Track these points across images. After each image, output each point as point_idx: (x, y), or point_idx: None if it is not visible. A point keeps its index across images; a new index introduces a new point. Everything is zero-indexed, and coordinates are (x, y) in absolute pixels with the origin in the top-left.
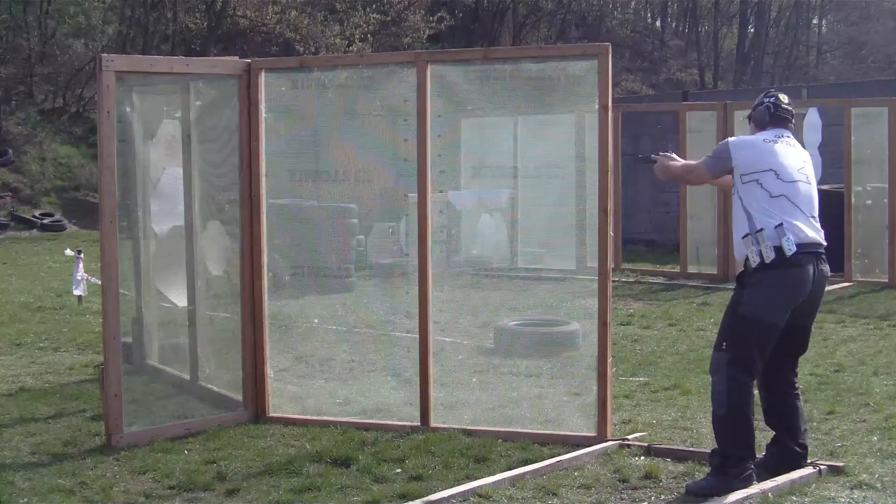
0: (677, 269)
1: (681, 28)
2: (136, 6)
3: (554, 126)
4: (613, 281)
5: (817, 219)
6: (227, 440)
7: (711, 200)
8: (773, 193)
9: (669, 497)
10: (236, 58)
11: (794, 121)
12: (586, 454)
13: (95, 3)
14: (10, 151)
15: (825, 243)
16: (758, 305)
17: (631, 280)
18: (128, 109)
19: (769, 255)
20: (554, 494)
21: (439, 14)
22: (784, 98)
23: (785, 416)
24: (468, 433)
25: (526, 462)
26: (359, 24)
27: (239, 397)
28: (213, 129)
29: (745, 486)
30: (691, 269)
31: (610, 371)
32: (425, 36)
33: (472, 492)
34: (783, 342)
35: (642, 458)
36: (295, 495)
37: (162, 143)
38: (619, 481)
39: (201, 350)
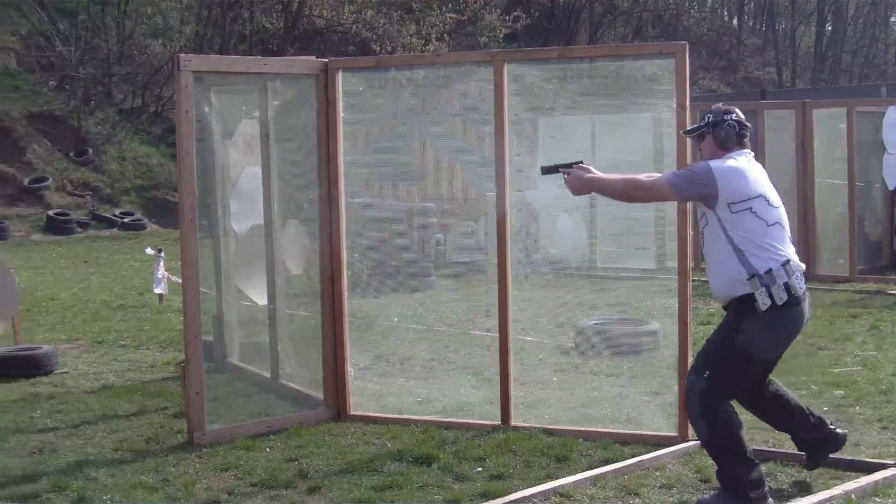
0: None
1: (758, 26)
2: (213, 6)
3: (631, 125)
4: (693, 280)
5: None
6: (308, 438)
7: (792, 199)
8: (770, 222)
9: None
10: (313, 57)
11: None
12: (667, 454)
13: (173, 3)
14: (90, 151)
15: None
16: (762, 344)
17: None
18: (206, 109)
19: (782, 297)
20: (635, 494)
21: (515, 13)
22: (741, 112)
23: (785, 417)
24: (549, 432)
25: (607, 461)
26: (435, 23)
27: (319, 395)
28: (290, 128)
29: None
30: None
31: None
32: (501, 35)
33: (554, 491)
34: (763, 370)
35: None
36: (376, 493)
37: (240, 143)
38: (701, 481)
39: (282, 348)
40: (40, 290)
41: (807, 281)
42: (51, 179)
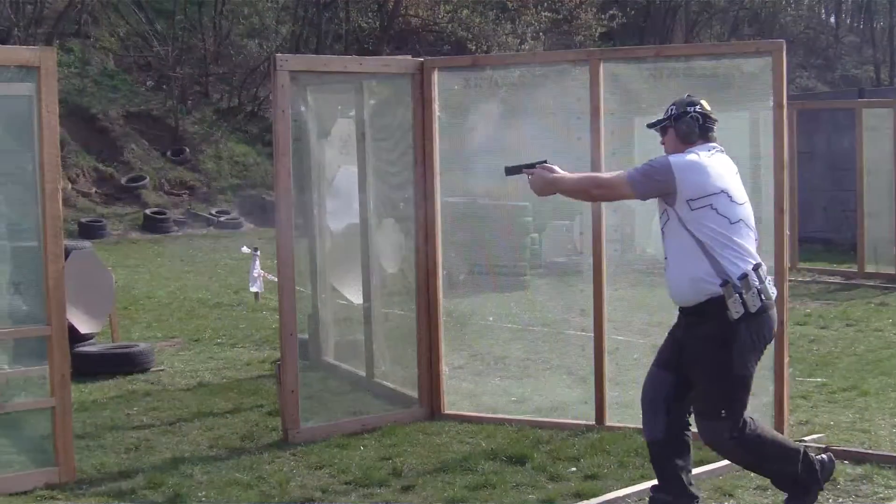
0: (855, 268)
1: (855, 24)
2: (310, 6)
3: (727, 124)
4: (790, 280)
5: None
6: (403, 436)
7: (889, 198)
8: (733, 219)
9: (847, 499)
10: (409, 57)
11: (716, 130)
12: None
13: (269, 3)
14: (187, 150)
15: None
16: (748, 361)
17: (807, 279)
18: (302, 108)
19: (755, 304)
20: (730, 495)
21: (611, 12)
22: (707, 104)
23: (683, 454)
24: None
25: (702, 462)
26: (530, 22)
27: (414, 394)
28: (386, 127)
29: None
30: (869, 269)
31: (786, 371)
32: (597, 34)
33: (648, 492)
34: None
35: None
36: (470, 492)
37: (336, 142)
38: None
39: (377, 347)
40: (137, 288)
41: None
42: (148, 178)
